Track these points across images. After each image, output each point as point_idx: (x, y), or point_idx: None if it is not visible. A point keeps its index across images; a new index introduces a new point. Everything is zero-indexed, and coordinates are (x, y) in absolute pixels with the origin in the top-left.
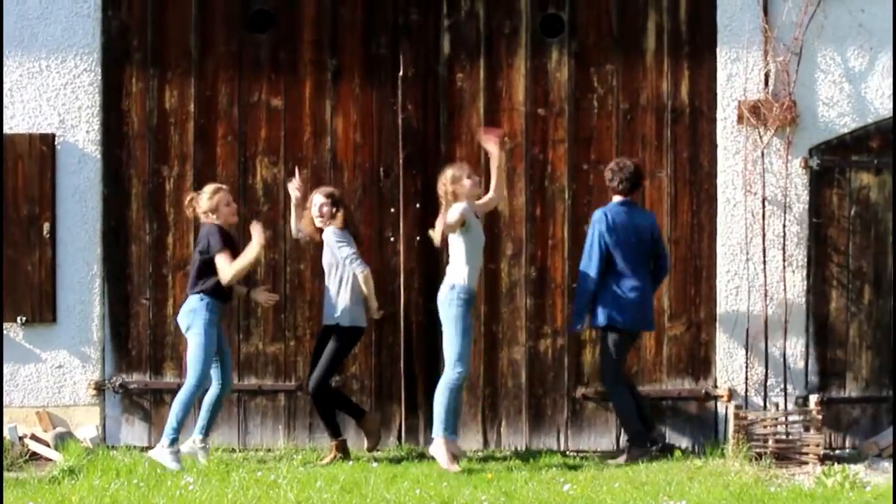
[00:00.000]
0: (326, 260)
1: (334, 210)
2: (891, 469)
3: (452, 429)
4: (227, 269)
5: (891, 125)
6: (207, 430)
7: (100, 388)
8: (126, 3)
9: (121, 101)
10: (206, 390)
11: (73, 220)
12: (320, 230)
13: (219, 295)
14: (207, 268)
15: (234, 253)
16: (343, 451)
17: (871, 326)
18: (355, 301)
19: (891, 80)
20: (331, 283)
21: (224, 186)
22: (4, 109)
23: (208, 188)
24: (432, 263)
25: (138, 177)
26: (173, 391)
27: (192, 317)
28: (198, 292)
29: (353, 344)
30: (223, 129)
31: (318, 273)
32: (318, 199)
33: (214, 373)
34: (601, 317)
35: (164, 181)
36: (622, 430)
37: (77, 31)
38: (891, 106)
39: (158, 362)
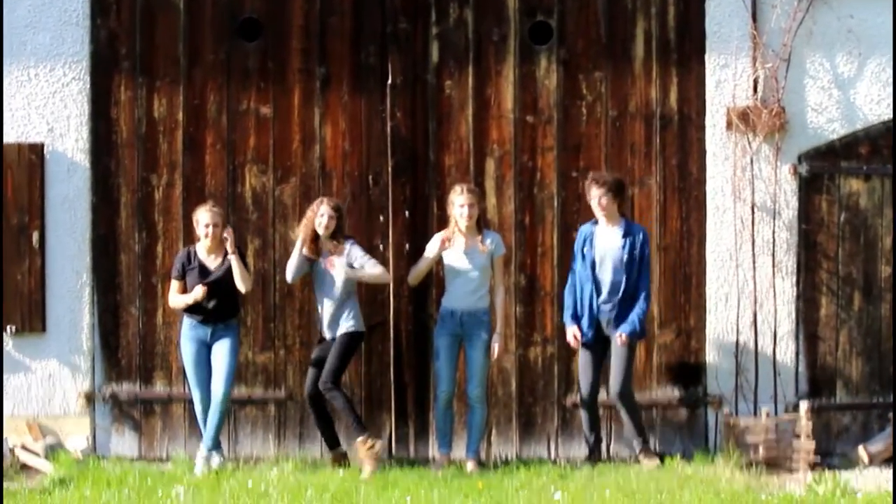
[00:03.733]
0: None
1: (339, 222)
2: (881, 476)
3: (441, 443)
4: (170, 296)
5: (880, 131)
6: (205, 438)
7: (90, 398)
8: (114, 12)
9: (109, 110)
10: (206, 400)
11: (62, 230)
12: (316, 241)
13: (191, 310)
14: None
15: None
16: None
17: (862, 333)
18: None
19: (880, 85)
20: (341, 294)
21: (207, 205)
22: None
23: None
24: None
25: (127, 185)
26: (163, 401)
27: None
28: None
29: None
30: (212, 137)
31: (307, 283)
32: (324, 210)
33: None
34: (641, 325)
35: (153, 190)
36: (636, 432)
37: (66, 40)
38: (880, 112)
39: (148, 372)
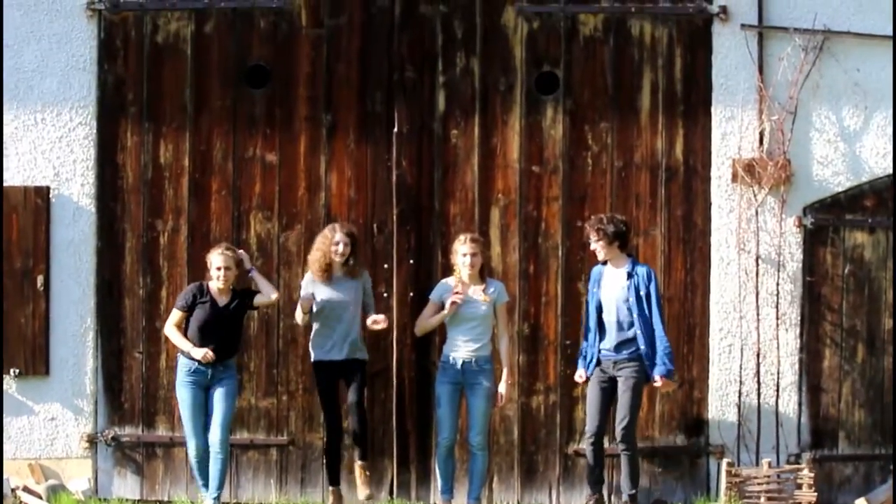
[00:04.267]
0: (350, 297)
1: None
2: None
3: (443, 489)
4: (167, 325)
5: (885, 184)
6: (211, 488)
7: (92, 441)
8: (122, 57)
9: (116, 155)
10: (202, 448)
11: (67, 273)
12: (329, 266)
13: (186, 355)
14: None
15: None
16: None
17: (864, 385)
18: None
19: (885, 139)
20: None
21: (221, 247)
22: None
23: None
24: None
25: (133, 230)
26: (165, 444)
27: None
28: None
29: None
30: (217, 183)
31: (311, 328)
32: (339, 237)
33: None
34: (671, 362)
35: (158, 235)
36: (630, 480)
37: (73, 85)
38: (885, 165)
39: (151, 416)
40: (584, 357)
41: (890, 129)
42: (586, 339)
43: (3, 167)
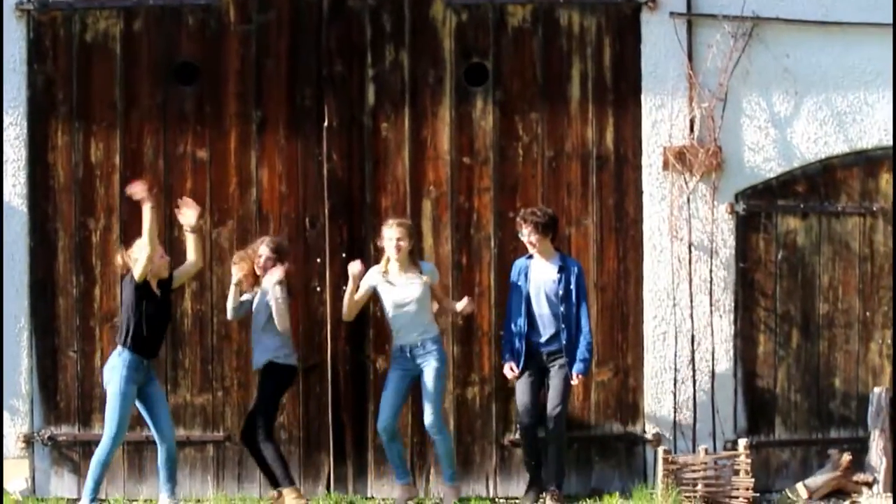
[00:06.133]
0: (261, 305)
1: (276, 263)
2: None
3: (398, 474)
4: (135, 266)
5: (817, 169)
6: (171, 487)
7: (29, 441)
8: (51, 57)
9: (46, 154)
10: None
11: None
12: (256, 278)
13: (137, 349)
14: (126, 321)
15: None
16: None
17: (800, 370)
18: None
19: (816, 124)
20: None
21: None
22: None
23: (140, 241)
24: (359, 313)
25: (65, 229)
26: None
27: (110, 373)
28: (119, 346)
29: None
30: (149, 181)
31: (246, 324)
32: (263, 250)
33: (154, 430)
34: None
35: (90, 234)
36: (555, 473)
37: (3, 86)
38: (817, 150)
39: (87, 414)
40: (511, 351)
41: (821, 115)
42: (510, 331)
43: (3, 172)
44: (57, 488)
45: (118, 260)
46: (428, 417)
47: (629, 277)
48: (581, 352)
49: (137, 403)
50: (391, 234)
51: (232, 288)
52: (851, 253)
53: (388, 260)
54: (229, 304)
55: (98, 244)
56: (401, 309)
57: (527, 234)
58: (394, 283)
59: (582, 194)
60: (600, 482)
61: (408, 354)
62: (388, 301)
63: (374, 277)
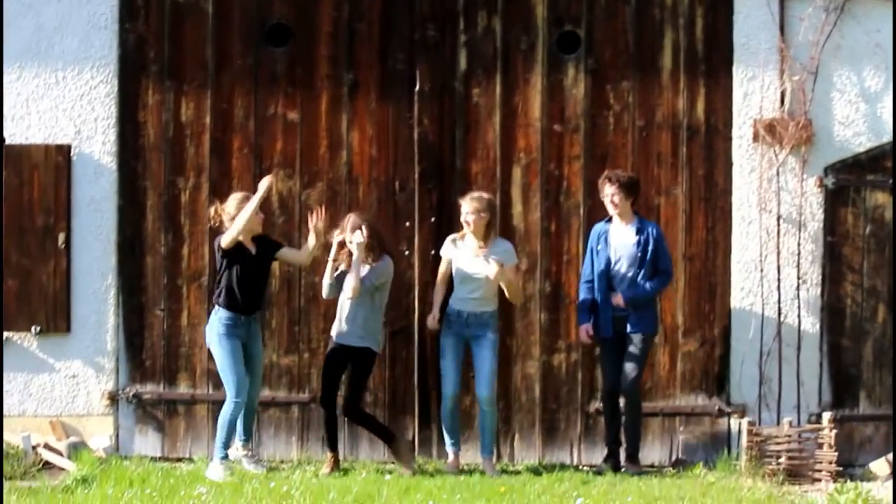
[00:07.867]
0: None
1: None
2: None
3: (450, 442)
4: (227, 233)
5: None
6: (247, 437)
7: (113, 399)
8: (143, 16)
9: (137, 113)
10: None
11: (88, 231)
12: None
13: (232, 306)
14: (219, 279)
15: (242, 261)
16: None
17: (886, 344)
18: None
19: None
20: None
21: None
22: (21, 120)
23: (237, 195)
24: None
25: (154, 188)
26: (187, 402)
27: (209, 333)
28: (216, 305)
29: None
30: (239, 141)
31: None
32: (358, 236)
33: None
34: (655, 322)
35: (179, 193)
36: (630, 439)
37: (94, 43)
38: None
39: (172, 373)
40: (587, 314)
41: None
42: (588, 295)
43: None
44: (141, 447)
45: (211, 212)
46: (484, 390)
47: (717, 248)
48: (640, 283)
49: None
50: (464, 209)
51: (329, 264)
52: None
53: (464, 233)
54: (325, 281)
55: (187, 203)
56: (467, 280)
57: (610, 195)
58: (465, 255)
59: (672, 164)
60: (685, 453)
61: (464, 320)
62: (457, 270)
63: (449, 247)
